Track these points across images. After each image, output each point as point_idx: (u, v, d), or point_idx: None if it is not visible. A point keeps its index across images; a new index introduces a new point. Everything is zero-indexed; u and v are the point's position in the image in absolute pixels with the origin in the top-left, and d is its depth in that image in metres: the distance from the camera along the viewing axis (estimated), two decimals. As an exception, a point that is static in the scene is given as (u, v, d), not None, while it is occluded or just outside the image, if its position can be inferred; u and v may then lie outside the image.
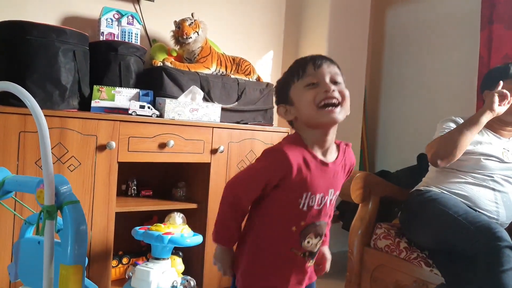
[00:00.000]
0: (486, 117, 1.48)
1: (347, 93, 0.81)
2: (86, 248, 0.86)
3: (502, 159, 1.56)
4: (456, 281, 1.33)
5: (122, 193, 1.91)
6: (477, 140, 1.58)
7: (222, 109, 1.85)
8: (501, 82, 1.50)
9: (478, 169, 1.55)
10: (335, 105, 0.78)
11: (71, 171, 1.47)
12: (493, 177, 1.53)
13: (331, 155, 0.85)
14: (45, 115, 0.80)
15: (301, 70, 0.81)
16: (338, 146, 0.87)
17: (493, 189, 1.51)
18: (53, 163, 1.44)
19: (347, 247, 1.85)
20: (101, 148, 1.52)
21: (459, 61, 2.24)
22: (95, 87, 1.62)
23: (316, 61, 0.81)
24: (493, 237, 1.20)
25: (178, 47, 1.91)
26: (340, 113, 0.80)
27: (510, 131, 1.64)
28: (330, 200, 0.84)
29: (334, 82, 0.80)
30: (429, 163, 1.60)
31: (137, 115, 1.61)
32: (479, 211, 1.48)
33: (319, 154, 0.82)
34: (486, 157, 1.55)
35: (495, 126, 1.64)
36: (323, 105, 0.78)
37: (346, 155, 0.87)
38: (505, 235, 1.21)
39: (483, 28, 2.04)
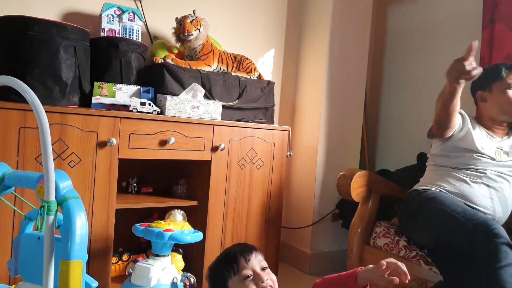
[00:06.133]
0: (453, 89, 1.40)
1: (274, 277, 0.97)
2: (86, 243, 0.86)
3: (495, 158, 1.56)
4: (454, 279, 1.33)
5: (122, 190, 1.91)
6: (471, 136, 1.58)
7: (223, 106, 1.85)
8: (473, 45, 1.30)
9: (471, 165, 1.56)
10: None
11: (72, 168, 1.47)
12: (486, 173, 1.54)
13: None
14: (45, 111, 0.79)
15: (236, 266, 0.95)
16: None
17: (488, 185, 1.52)
18: (54, 159, 1.44)
19: (347, 245, 1.85)
20: (102, 144, 1.52)
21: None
22: (96, 84, 1.62)
23: (247, 258, 0.96)
24: (491, 234, 1.20)
25: (179, 44, 1.91)
26: None
27: (502, 130, 1.65)
28: None
29: (263, 268, 0.97)
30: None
31: (138, 112, 1.61)
32: (476, 208, 1.49)
33: None
34: (480, 155, 1.56)
35: (488, 124, 1.65)
36: None
37: None
38: (502, 231, 1.21)
39: (485, 27, 2.03)
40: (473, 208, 1.48)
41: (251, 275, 0.95)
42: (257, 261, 0.97)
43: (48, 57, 1.46)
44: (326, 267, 2.34)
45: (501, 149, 1.60)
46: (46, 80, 1.46)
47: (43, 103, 0.81)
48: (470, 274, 1.27)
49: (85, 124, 1.48)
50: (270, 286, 0.96)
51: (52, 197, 0.83)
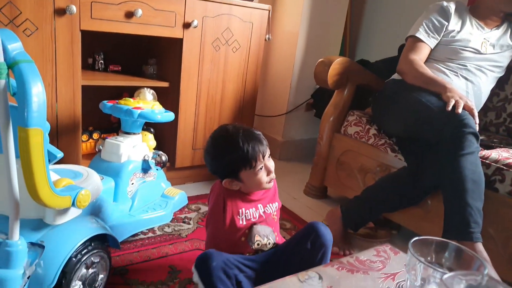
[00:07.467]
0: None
1: (273, 163, 1.07)
2: (45, 112, 0.80)
3: (480, 50, 1.54)
4: (417, 165, 1.40)
5: (88, 67, 1.81)
6: (457, 30, 1.53)
7: (197, -23, 1.66)
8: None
9: (453, 58, 1.54)
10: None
11: (28, 36, 1.33)
12: (466, 66, 1.53)
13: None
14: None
15: (254, 162, 1.00)
16: None
17: (466, 78, 1.52)
18: (6, 25, 1.30)
19: (318, 134, 1.89)
20: (60, 12, 1.36)
21: None
22: None
23: (262, 153, 1.01)
24: (460, 124, 1.22)
25: None
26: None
27: (496, 21, 1.59)
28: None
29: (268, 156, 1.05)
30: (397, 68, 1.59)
31: (100, -24, 1.42)
32: None
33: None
34: (463, 48, 1.52)
35: (483, 14, 1.58)
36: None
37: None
38: (471, 122, 1.24)
39: None
40: None
41: (262, 166, 1.02)
42: (267, 153, 1.04)
43: None
44: (295, 153, 2.43)
45: (488, 41, 1.55)
46: None
47: None
48: (433, 161, 1.33)
49: (38, -14, 1.30)
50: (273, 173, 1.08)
51: (0, 59, 0.75)
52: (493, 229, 1.26)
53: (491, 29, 1.58)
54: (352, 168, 1.73)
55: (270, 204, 1.11)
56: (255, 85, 1.94)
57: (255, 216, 1.07)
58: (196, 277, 0.95)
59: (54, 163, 1.06)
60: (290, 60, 2.27)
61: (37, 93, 0.79)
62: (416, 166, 1.40)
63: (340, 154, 1.78)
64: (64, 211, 0.95)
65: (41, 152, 0.81)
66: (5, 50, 0.76)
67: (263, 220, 1.08)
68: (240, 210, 1.05)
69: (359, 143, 1.69)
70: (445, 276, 0.46)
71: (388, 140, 1.59)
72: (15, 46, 0.78)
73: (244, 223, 1.05)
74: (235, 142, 0.99)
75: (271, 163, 1.05)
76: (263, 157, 1.02)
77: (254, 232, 1.05)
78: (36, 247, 0.91)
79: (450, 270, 0.59)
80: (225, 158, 1.01)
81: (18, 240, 0.85)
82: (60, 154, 0.94)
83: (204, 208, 1.66)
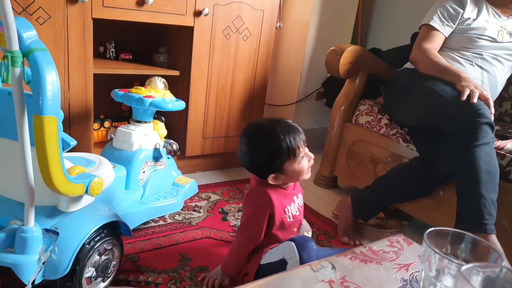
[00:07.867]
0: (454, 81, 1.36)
1: (307, 149, 1.08)
2: (59, 100, 0.81)
3: (496, 39, 1.50)
4: (429, 156, 1.38)
5: (100, 55, 1.81)
6: (473, 17, 1.50)
7: (208, -36, 1.64)
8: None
9: (468, 47, 1.51)
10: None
11: (41, 25, 1.34)
12: (482, 55, 1.49)
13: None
14: None
15: (297, 150, 1.03)
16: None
17: (481, 68, 1.49)
18: (19, 13, 1.30)
19: (328, 123, 1.88)
20: (72, 0, 1.36)
21: None
22: None
23: (302, 141, 1.05)
24: (475, 114, 1.20)
25: None
26: None
27: None
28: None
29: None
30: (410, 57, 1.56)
31: (111, -37, 1.41)
32: None
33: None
34: (479, 36, 1.49)
35: (500, 2, 1.54)
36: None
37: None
38: (487, 112, 1.21)
39: None
40: None
41: (304, 154, 1.06)
42: (305, 143, 1.08)
43: None
44: (306, 143, 2.42)
45: (505, 29, 1.52)
46: None
47: None
48: (446, 152, 1.31)
49: (49, -26, 1.30)
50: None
51: (16, 47, 0.75)
52: (507, 221, 1.25)
53: (508, 17, 1.54)
54: (362, 158, 1.72)
55: (300, 194, 1.17)
56: (265, 74, 1.92)
57: (295, 210, 1.12)
58: (291, 253, 0.98)
59: (67, 151, 1.08)
60: (301, 49, 2.25)
61: (52, 81, 0.79)
62: (428, 157, 1.38)
63: (351, 143, 1.77)
64: (78, 198, 0.96)
65: (56, 140, 0.81)
66: (20, 39, 0.76)
67: (300, 213, 1.14)
68: (286, 209, 1.09)
69: (371, 133, 1.68)
70: (463, 267, 0.46)
71: (400, 130, 1.58)
72: (30, 35, 0.78)
73: (292, 219, 1.10)
74: (276, 135, 1.02)
75: (306, 149, 1.08)
76: (304, 145, 1.06)
77: (302, 229, 1.15)
78: (51, 233, 0.92)
79: (466, 261, 0.58)
80: (268, 153, 1.03)
81: (33, 227, 0.86)
82: (73, 142, 0.95)
83: (214, 197, 1.66)
